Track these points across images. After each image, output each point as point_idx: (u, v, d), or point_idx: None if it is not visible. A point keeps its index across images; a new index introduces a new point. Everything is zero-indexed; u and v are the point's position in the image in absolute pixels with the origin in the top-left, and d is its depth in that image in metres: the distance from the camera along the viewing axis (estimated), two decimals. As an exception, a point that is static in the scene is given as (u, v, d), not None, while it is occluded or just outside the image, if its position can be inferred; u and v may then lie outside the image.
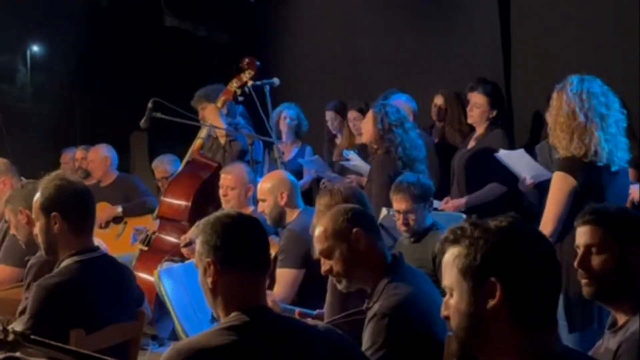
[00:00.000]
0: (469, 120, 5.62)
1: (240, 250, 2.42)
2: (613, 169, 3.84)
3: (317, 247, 3.13)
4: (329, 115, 6.85)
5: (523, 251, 1.87)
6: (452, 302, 1.92)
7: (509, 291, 1.85)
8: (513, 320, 1.87)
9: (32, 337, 2.47)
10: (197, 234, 2.49)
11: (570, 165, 3.83)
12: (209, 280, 2.40)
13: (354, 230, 3.06)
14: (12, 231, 4.23)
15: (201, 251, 2.44)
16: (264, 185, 4.77)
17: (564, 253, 3.79)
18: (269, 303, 2.64)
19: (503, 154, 4.91)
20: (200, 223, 2.52)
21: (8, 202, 4.17)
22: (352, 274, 3.07)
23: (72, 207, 3.30)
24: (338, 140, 6.84)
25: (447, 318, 1.95)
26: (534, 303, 1.87)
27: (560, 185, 3.84)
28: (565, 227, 3.78)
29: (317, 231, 3.13)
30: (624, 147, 3.88)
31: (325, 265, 3.11)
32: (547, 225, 3.83)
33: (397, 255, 3.18)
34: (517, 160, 4.86)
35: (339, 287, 3.13)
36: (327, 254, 3.09)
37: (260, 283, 2.46)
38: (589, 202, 3.63)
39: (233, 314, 2.36)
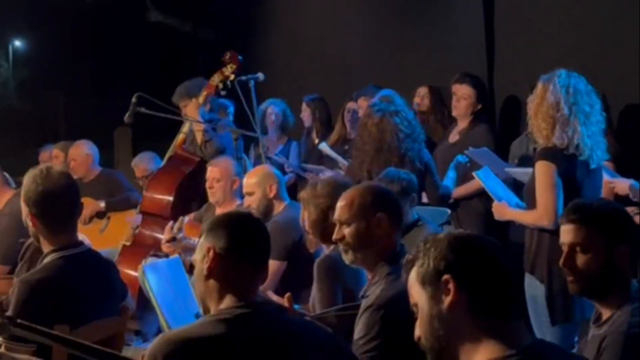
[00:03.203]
0: (454, 113, 5.61)
1: (245, 241, 2.43)
2: (592, 166, 3.86)
3: (337, 214, 3.09)
4: (303, 107, 6.93)
5: (469, 246, 1.96)
6: (419, 318, 1.97)
7: (462, 283, 1.91)
8: (475, 313, 1.91)
9: (18, 321, 2.50)
10: (203, 229, 2.49)
11: (551, 154, 3.81)
12: (206, 266, 2.40)
13: (378, 214, 3.01)
14: None
15: (203, 242, 2.44)
16: (251, 179, 4.78)
17: (546, 246, 3.81)
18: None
19: (471, 152, 4.95)
20: (206, 222, 2.53)
21: None
22: (361, 251, 3.03)
23: (50, 209, 3.23)
24: (313, 134, 6.89)
25: (420, 339, 1.98)
26: (487, 291, 1.92)
27: (544, 173, 3.80)
28: None
29: (343, 200, 3.08)
30: (602, 147, 3.90)
31: (338, 233, 3.07)
32: (542, 217, 3.79)
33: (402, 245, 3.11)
34: (485, 157, 4.89)
35: (344, 256, 3.09)
36: (345, 224, 3.05)
37: (257, 277, 2.46)
38: (566, 196, 3.68)
39: (224, 306, 2.36)
